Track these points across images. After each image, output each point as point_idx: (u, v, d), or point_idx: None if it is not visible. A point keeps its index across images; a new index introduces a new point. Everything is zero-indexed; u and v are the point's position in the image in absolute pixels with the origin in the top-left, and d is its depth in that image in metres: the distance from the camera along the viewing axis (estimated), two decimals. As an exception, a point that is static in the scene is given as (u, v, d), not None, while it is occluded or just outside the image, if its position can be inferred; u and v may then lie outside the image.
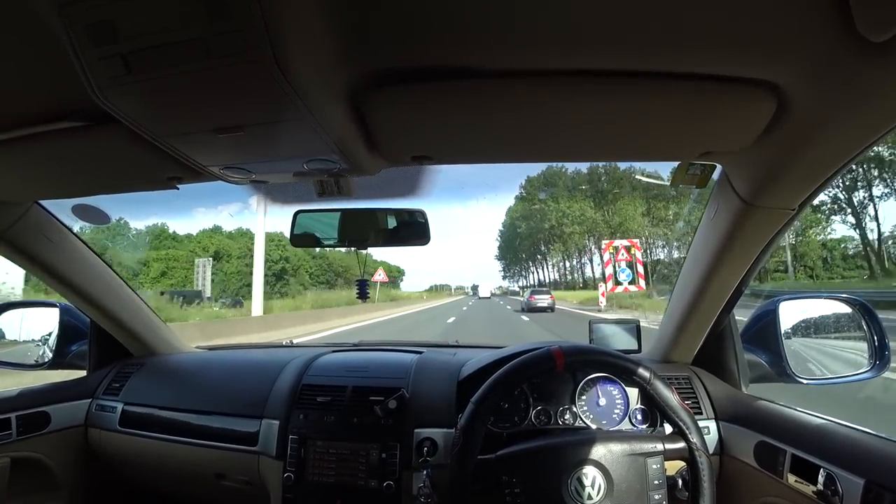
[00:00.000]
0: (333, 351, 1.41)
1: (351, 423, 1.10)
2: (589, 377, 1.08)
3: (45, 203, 1.15)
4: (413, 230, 1.06)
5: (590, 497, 0.84)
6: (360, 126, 0.72)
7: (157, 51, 0.50)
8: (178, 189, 0.93)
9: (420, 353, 1.33)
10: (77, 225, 1.23)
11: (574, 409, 1.07)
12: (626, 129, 0.75)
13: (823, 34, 0.51)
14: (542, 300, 21.47)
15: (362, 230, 1.06)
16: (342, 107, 0.66)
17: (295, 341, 1.76)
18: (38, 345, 1.53)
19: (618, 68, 0.61)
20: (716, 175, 0.91)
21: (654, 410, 1.02)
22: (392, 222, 1.07)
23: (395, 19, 0.53)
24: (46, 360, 1.46)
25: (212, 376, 1.38)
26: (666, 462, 0.88)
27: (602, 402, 1.08)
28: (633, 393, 1.07)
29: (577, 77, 0.62)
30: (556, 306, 21.75)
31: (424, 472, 0.99)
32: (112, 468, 1.38)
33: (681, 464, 0.89)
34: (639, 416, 1.06)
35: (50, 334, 1.50)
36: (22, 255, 1.16)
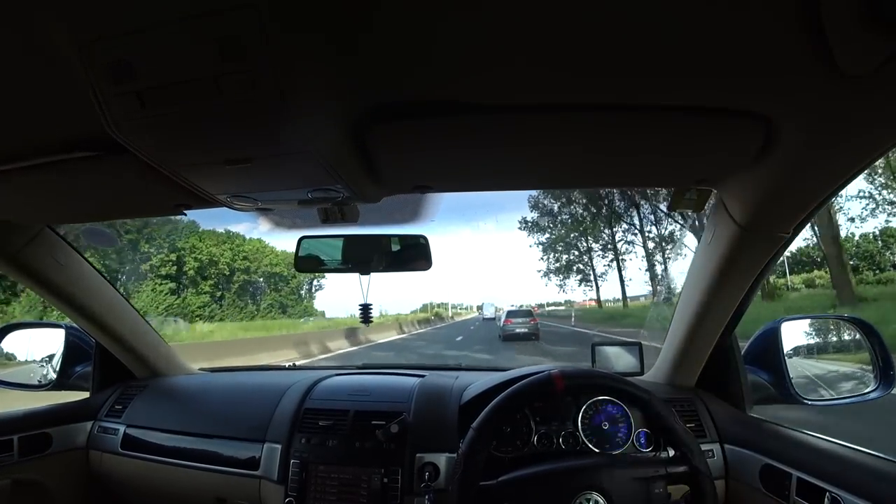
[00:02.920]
0: (336, 374, 1.41)
1: (353, 448, 1.10)
2: (591, 400, 1.08)
3: (56, 226, 1.18)
4: (415, 255, 1.07)
5: None
6: (362, 157, 0.74)
7: (171, 89, 0.53)
8: (185, 215, 0.95)
9: (422, 376, 1.33)
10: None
11: (577, 433, 1.06)
12: (621, 159, 0.77)
13: (806, 69, 0.53)
14: (521, 325, 16.27)
15: (365, 255, 1.08)
16: (345, 139, 0.68)
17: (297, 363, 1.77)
18: (42, 365, 1.53)
19: (609, 102, 0.63)
20: (711, 200, 0.92)
21: (657, 434, 1.02)
22: (395, 247, 1.08)
23: (395, 59, 0.56)
24: (50, 380, 1.46)
25: (214, 399, 1.38)
26: (669, 486, 0.87)
27: (605, 425, 1.07)
28: (635, 416, 1.06)
29: (571, 110, 0.64)
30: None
31: (426, 497, 0.98)
32: (112, 491, 1.37)
33: (685, 488, 0.88)
34: (642, 440, 1.05)
35: (54, 355, 1.51)
36: (31, 276, 1.18)
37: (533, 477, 0.89)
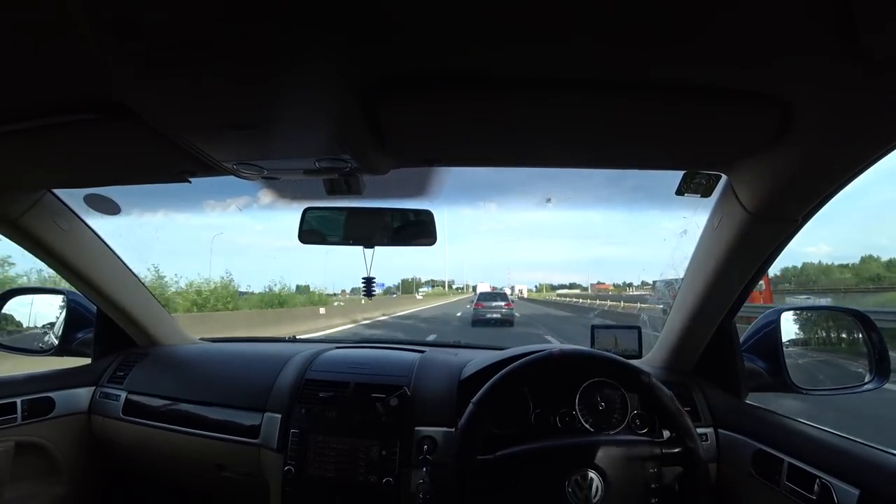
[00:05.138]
0: (336, 347, 1.42)
1: (352, 420, 1.11)
2: (590, 381, 1.09)
3: (58, 192, 1.17)
4: (420, 230, 1.07)
5: (587, 500, 0.85)
6: (372, 127, 0.73)
7: (178, 49, 0.52)
8: (189, 182, 0.94)
9: (422, 352, 1.34)
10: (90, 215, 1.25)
11: (574, 412, 1.08)
12: (632, 138, 0.76)
13: (828, 49, 0.52)
14: (493, 310, 14.79)
15: (370, 229, 1.07)
16: (355, 107, 0.67)
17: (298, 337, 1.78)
18: (45, 331, 1.54)
19: (623, 79, 0.62)
20: (720, 185, 0.91)
21: (653, 415, 1.03)
22: (399, 222, 1.08)
23: (410, 25, 0.54)
24: (52, 346, 1.47)
25: (215, 368, 1.40)
26: (663, 467, 0.89)
27: (602, 406, 1.08)
28: (632, 398, 1.08)
29: (584, 86, 0.63)
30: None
31: (424, 469, 1.00)
32: (114, 455, 1.40)
33: (678, 469, 0.90)
34: (638, 422, 1.07)
35: (56, 321, 1.53)
36: (33, 242, 1.18)
37: (530, 453, 0.91)
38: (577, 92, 0.64)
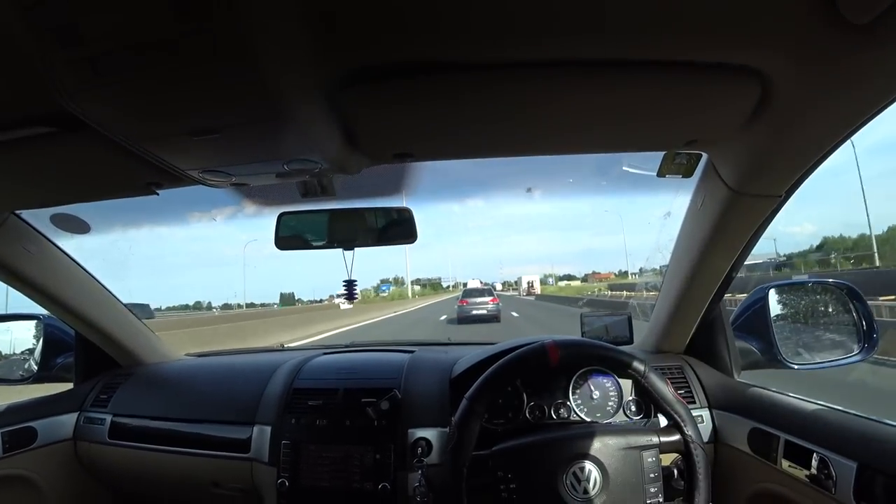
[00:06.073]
0: (324, 353, 1.40)
1: (343, 426, 1.09)
2: (582, 370, 1.08)
3: (23, 214, 1.13)
4: (399, 229, 1.05)
5: (585, 491, 0.84)
6: (339, 124, 0.70)
7: (125, 53, 0.49)
8: (157, 195, 0.91)
9: (411, 352, 1.32)
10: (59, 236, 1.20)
11: (568, 403, 1.07)
12: (611, 120, 0.75)
13: (806, 17, 0.51)
14: (479, 306, 14.64)
15: (349, 230, 1.05)
16: (320, 105, 0.65)
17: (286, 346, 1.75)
18: (24, 358, 1.50)
19: (600, 58, 0.60)
20: (701, 164, 0.91)
21: (648, 402, 1.02)
22: (379, 222, 1.06)
23: (370, 13, 0.52)
24: (32, 373, 1.43)
25: (201, 384, 1.37)
26: (661, 454, 0.88)
27: (595, 395, 1.08)
28: (626, 385, 1.07)
29: (559, 67, 0.61)
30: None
31: (419, 471, 0.98)
32: (103, 481, 1.36)
33: (676, 455, 0.89)
34: (632, 408, 1.06)
35: (35, 347, 1.48)
36: (0, 267, 1.13)
37: (526, 447, 0.89)
38: (554, 74, 0.62)
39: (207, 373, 1.45)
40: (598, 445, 0.87)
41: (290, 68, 0.56)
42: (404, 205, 1.03)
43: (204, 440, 1.21)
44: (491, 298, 15.35)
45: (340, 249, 1.03)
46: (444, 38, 0.56)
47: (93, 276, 1.32)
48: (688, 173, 0.91)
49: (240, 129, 0.65)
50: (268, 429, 1.13)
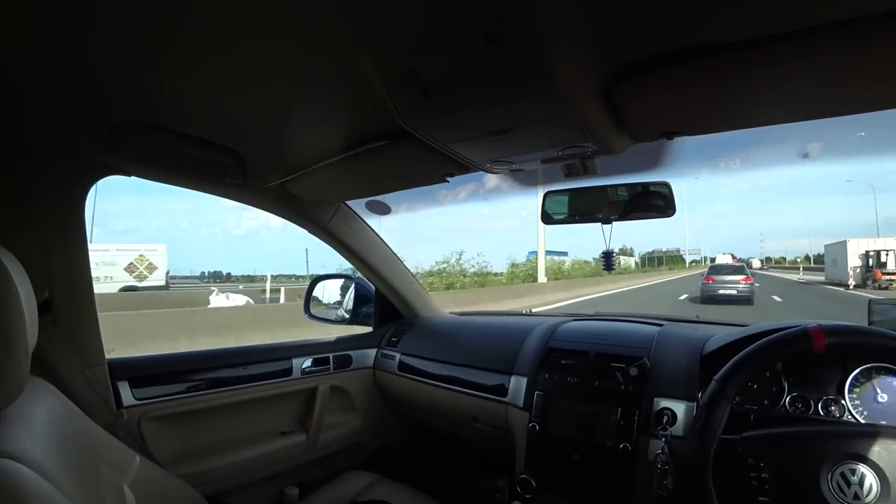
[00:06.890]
0: (574, 319, 1.50)
1: (592, 386, 1.17)
2: (864, 366, 0.90)
3: (348, 203, 1.59)
4: (658, 202, 1.05)
5: (856, 497, 0.71)
6: (611, 112, 0.77)
7: (449, 81, 0.66)
8: (448, 182, 1.15)
9: (660, 325, 1.31)
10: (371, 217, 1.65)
11: (843, 401, 0.90)
12: (869, 79, 0.63)
13: None
14: (727, 285, 12.65)
15: (606, 205, 1.11)
16: (596, 98, 0.72)
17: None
18: (336, 307, 2.09)
19: (860, 14, 0.53)
20: None
21: None
22: (636, 196, 1.08)
23: (640, 14, 0.57)
24: (343, 318, 1.98)
25: (467, 336, 1.66)
26: None
27: (882, 397, 0.88)
28: None
29: (819, 32, 0.57)
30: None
31: (662, 440, 0.98)
32: (391, 402, 1.80)
33: None
34: None
35: (344, 299, 2.05)
36: (336, 240, 1.62)
37: (784, 437, 0.81)
38: (810, 40, 0.57)
39: (471, 328, 1.74)
40: (878, 449, 0.72)
41: (574, 73, 0.66)
42: (662, 178, 1.02)
43: (468, 382, 1.46)
44: (743, 277, 13.46)
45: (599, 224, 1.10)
46: (706, 23, 0.58)
47: (388, 247, 1.75)
48: None
49: (529, 126, 0.78)
50: (524, 379, 1.29)
